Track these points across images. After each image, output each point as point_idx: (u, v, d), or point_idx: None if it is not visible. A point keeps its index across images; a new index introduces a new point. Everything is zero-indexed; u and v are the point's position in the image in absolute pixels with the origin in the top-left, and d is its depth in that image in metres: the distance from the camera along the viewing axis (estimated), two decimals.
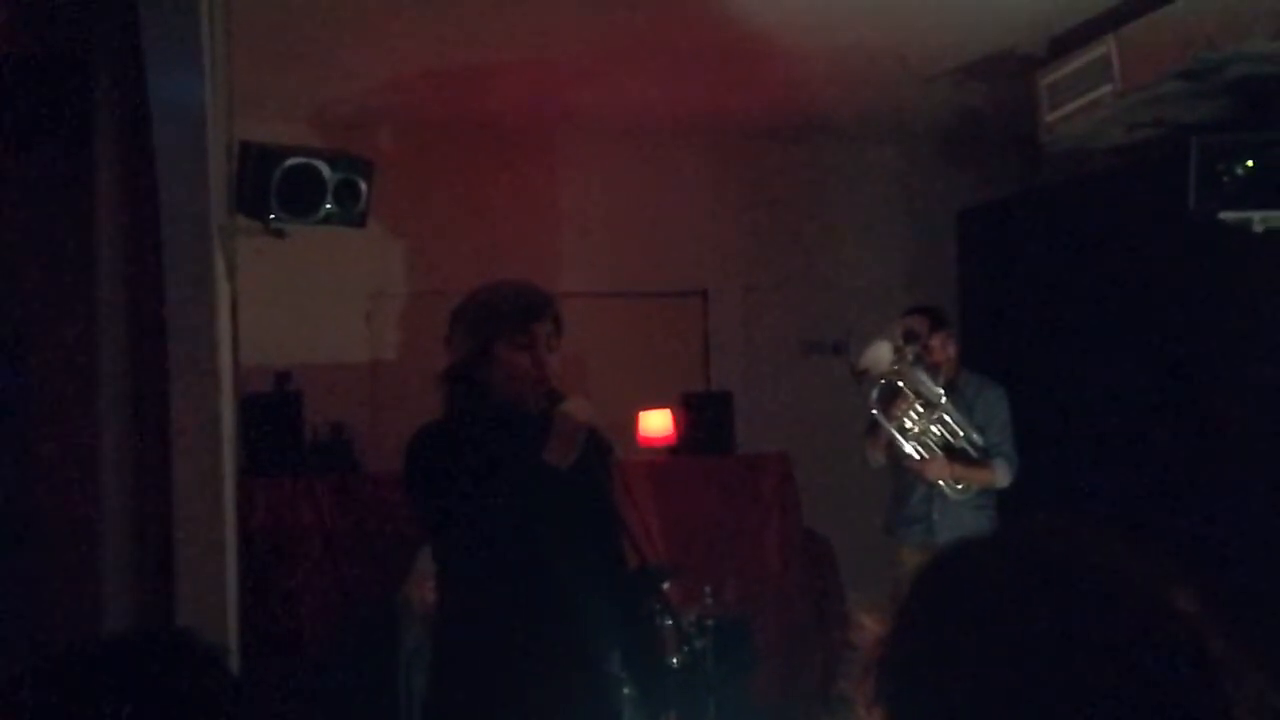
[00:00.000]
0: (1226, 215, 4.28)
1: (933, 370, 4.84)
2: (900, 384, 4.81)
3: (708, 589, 5.16)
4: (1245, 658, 0.94)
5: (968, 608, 0.95)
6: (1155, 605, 0.94)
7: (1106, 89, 4.56)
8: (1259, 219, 4.27)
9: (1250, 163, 4.19)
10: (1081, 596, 0.93)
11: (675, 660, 4.46)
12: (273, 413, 5.30)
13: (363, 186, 4.52)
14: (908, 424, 4.83)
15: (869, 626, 0.99)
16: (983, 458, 4.89)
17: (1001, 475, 4.92)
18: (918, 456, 4.85)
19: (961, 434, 4.85)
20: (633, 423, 5.99)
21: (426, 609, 4.19)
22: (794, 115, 6.11)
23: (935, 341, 4.89)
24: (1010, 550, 1.01)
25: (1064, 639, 0.90)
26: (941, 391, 4.81)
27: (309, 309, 5.90)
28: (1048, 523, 1.01)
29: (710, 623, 5.02)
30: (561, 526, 2.83)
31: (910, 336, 4.81)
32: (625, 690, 3.32)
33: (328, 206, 4.42)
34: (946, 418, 4.83)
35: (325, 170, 4.40)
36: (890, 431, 4.84)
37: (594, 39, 4.91)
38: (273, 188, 4.27)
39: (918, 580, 1.00)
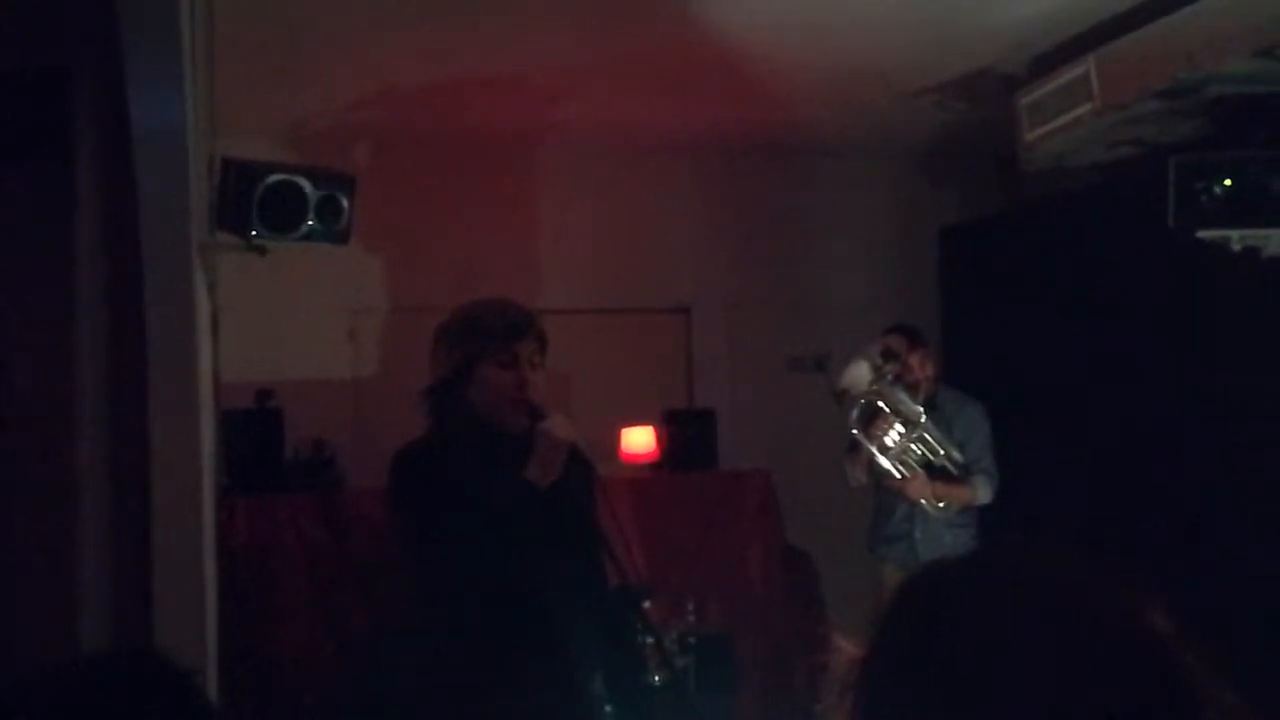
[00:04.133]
0: (1205, 233, 4.30)
1: (912, 389, 4.86)
2: (880, 403, 4.82)
3: (690, 606, 5.16)
4: (1220, 676, 0.94)
5: (944, 628, 0.95)
6: (1131, 625, 0.94)
7: (1086, 108, 4.58)
8: (1237, 237, 4.30)
9: (1228, 181, 4.22)
10: (1057, 617, 0.93)
11: (657, 678, 4.44)
12: (254, 429, 5.28)
13: (344, 203, 4.51)
14: (888, 443, 4.84)
15: (845, 648, 0.99)
16: (963, 475, 4.90)
17: (983, 492, 4.93)
18: (899, 475, 4.86)
19: (942, 452, 4.86)
20: (615, 439, 5.98)
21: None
22: (776, 132, 6.13)
23: (914, 360, 4.91)
24: (986, 571, 1.01)
25: (1040, 659, 0.90)
26: (921, 410, 4.83)
27: (290, 325, 5.88)
28: (1024, 543, 1.01)
29: (692, 640, 5.01)
30: (543, 545, 2.83)
31: (889, 355, 4.82)
32: (607, 709, 3.30)
33: (309, 223, 4.41)
34: (927, 436, 4.84)
35: (307, 187, 4.40)
36: (871, 451, 4.85)
37: (576, 55, 4.92)
38: (254, 204, 4.26)
39: (894, 601, 1.00)
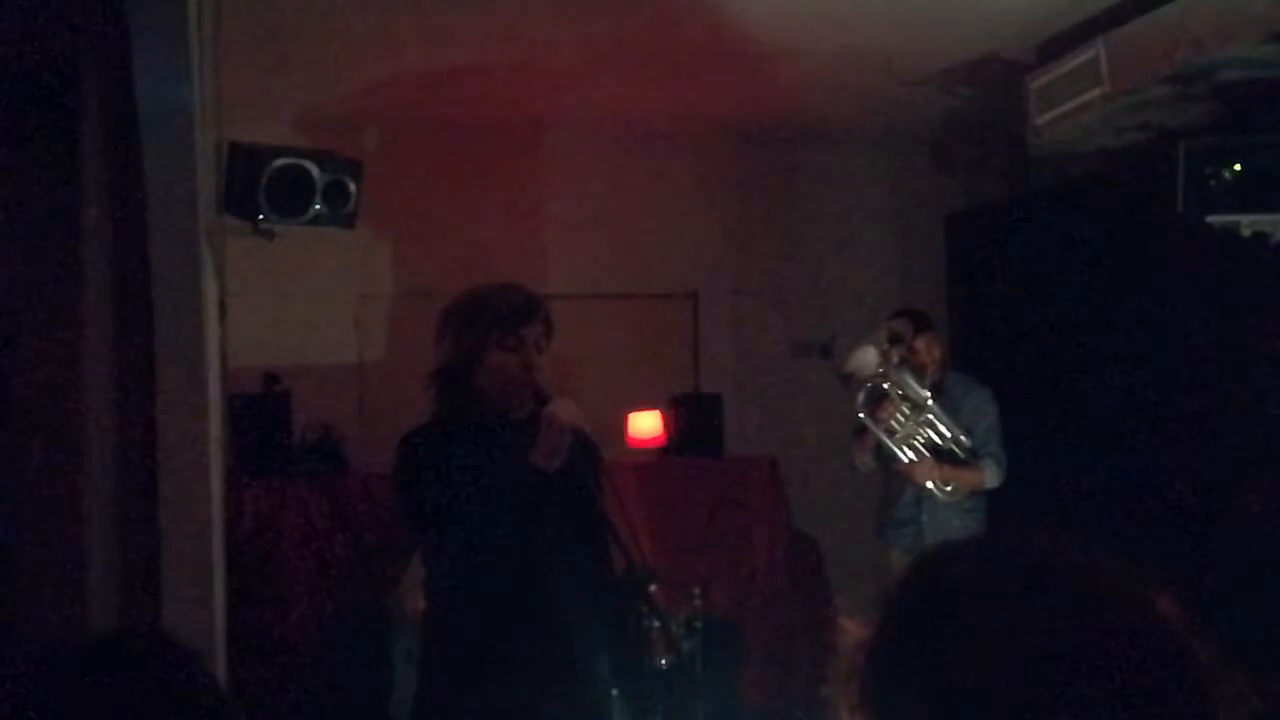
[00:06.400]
0: (1214, 219, 4.29)
1: (918, 372, 4.85)
2: (886, 387, 4.82)
3: (696, 591, 5.16)
4: (1227, 660, 0.94)
5: (950, 612, 0.95)
6: (1137, 608, 0.94)
7: (1095, 93, 4.57)
8: (1247, 222, 4.29)
9: (1238, 166, 4.20)
10: (1064, 600, 0.93)
11: (663, 662, 4.45)
12: (261, 414, 5.29)
13: (352, 187, 4.52)
14: (895, 427, 4.84)
15: (851, 630, 0.99)
16: (971, 459, 4.90)
17: (990, 476, 4.92)
18: (906, 459, 4.85)
19: (949, 435, 4.85)
20: (622, 424, 5.98)
21: (419, 616, 4.19)
22: (782, 119, 6.11)
23: (920, 344, 4.90)
24: (993, 554, 1.01)
25: (1046, 643, 0.90)
26: (928, 393, 4.82)
27: (297, 310, 5.89)
28: (1030, 527, 1.01)
29: (698, 625, 5.02)
30: (548, 529, 2.84)
31: (895, 339, 4.82)
32: (613, 692, 3.32)
33: (316, 207, 4.42)
34: (933, 419, 4.84)
35: (314, 171, 4.40)
36: (878, 434, 4.85)
37: (582, 41, 4.91)
38: (261, 188, 4.27)
39: (900, 584, 1.00)
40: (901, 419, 4.83)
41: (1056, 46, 4.86)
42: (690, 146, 6.43)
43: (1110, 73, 4.48)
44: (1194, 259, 4.82)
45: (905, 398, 4.82)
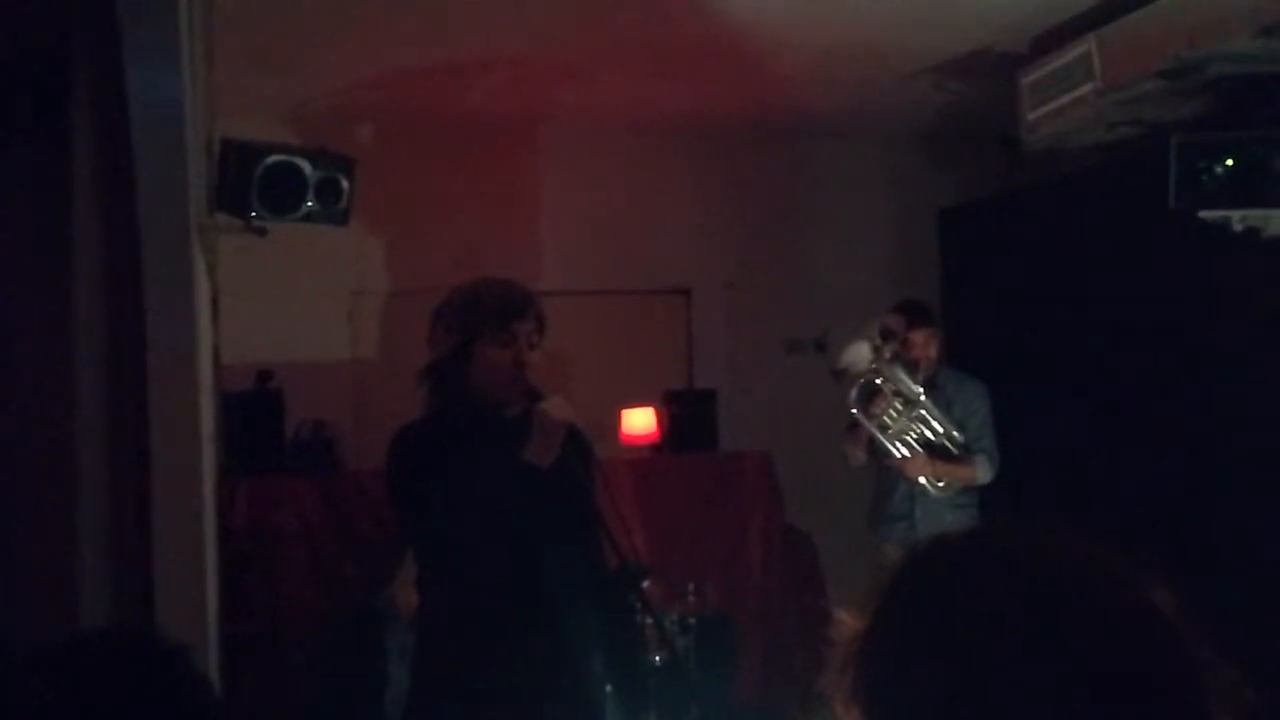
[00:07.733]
0: (1206, 214, 4.29)
1: (911, 368, 4.86)
2: (879, 382, 4.82)
3: (690, 587, 5.17)
4: (1222, 654, 0.94)
5: (943, 604, 0.95)
6: (1131, 602, 0.94)
7: (1087, 88, 4.57)
8: (1238, 217, 4.29)
9: (1230, 161, 4.20)
10: (1057, 593, 0.93)
11: (657, 658, 4.46)
12: (254, 411, 5.28)
13: (344, 184, 4.50)
14: (887, 422, 4.84)
15: (847, 623, 0.99)
16: (963, 455, 4.91)
17: (983, 472, 4.93)
18: (899, 455, 4.86)
19: (942, 431, 4.86)
20: (616, 421, 5.98)
21: (412, 611, 4.19)
22: (776, 114, 6.11)
23: (918, 338, 4.91)
24: (986, 547, 1.01)
25: (1040, 635, 0.90)
26: (920, 389, 4.83)
27: (290, 307, 5.88)
28: (1024, 520, 1.01)
29: (692, 621, 5.03)
30: (542, 526, 2.83)
31: (887, 334, 4.82)
32: (607, 688, 3.31)
33: (309, 204, 4.40)
34: (926, 415, 4.84)
35: (307, 168, 4.38)
36: (870, 430, 4.85)
37: (577, 37, 4.91)
38: (254, 185, 4.25)
39: (894, 576, 1.00)
40: (894, 414, 4.84)
41: (1049, 41, 4.87)
42: (683, 142, 6.43)
43: (1102, 68, 4.49)
44: (1186, 254, 4.83)
45: (898, 393, 4.82)
